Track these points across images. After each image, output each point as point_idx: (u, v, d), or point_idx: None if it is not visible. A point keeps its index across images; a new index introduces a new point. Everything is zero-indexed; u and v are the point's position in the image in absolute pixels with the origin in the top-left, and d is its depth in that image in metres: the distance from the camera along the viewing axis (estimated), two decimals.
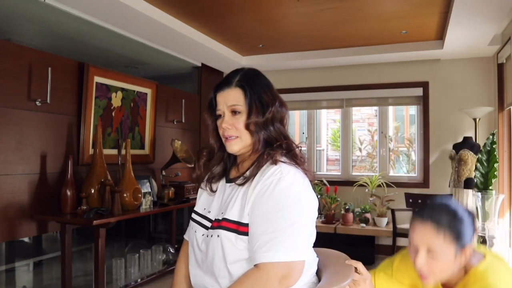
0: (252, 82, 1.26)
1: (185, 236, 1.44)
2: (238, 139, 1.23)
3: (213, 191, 1.32)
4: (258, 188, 1.15)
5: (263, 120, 1.22)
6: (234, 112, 1.22)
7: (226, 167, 1.35)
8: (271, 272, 1.07)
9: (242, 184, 1.20)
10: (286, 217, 1.10)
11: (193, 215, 1.35)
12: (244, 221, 1.15)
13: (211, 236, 1.19)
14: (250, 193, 1.16)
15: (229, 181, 1.29)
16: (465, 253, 1.23)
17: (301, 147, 1.29)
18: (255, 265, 1.10)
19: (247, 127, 1.21)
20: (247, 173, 1.21)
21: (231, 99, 1.23)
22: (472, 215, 1.27)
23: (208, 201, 1.32)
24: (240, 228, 1.15)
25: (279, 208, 1.11)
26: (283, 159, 1.20)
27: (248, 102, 1.22)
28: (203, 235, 1.24)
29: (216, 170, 1.34)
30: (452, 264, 1.23)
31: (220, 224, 1.18)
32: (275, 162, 1.18)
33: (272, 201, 1.12)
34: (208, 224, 1.25)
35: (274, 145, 1.23)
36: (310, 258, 1.23)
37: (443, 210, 1.24)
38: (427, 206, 1.29)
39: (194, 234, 1.28)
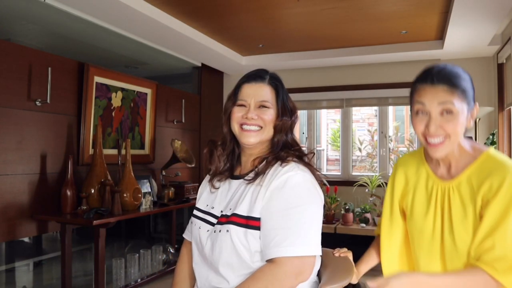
0: (282, 85, 1.30)
1: (185, 236, 1.43)
2: (260, 131, 1.23)
3: (215, 188, 1.31)
4: (274, 184, 1.15)
5: (289, 123, 1.26)
6: (261, 107, 1.24)
7: (232, 164, 1.34)
8: (288, 266, 1.07)
9: (252, 180, 1.20)
10: (303, 213, 1.12)
11: (196, 212, 1.34)
12: (255, 215, 1.15)
13: (219, 231, 1.18)
14: (263, 189, 1.16)
15: (235, 177, 1.29)
16: (473, 114, 1.22)
17: (314, 153, 1.32)
18: (270, 260, 1.10)
19: (276, 125, 1.24)
20: (257, 169, 1.22)
21: (263, 94, 1.24)
22: (470, 75, 1.25)
23: (210, 198, 1.32)
24: (250, 222, 1.14)
25: (296, 204, 1.13)
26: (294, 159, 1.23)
27: (280, 102, 1.26)
28: (208, 231, 1.23)
29: (223, 167, 1.33)
30: (464, 125, 1.19)
31: (229, 219, 1.18)
32: (287, 162, 1.20)
33: (289, 197, 1.13)
34: (213, 220, 1.24)
35: (291, 150, 1.25)
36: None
37: (449, 72, 1.21)
38: (430, 72, 1.25)
39: (198, 230, 1.27)
